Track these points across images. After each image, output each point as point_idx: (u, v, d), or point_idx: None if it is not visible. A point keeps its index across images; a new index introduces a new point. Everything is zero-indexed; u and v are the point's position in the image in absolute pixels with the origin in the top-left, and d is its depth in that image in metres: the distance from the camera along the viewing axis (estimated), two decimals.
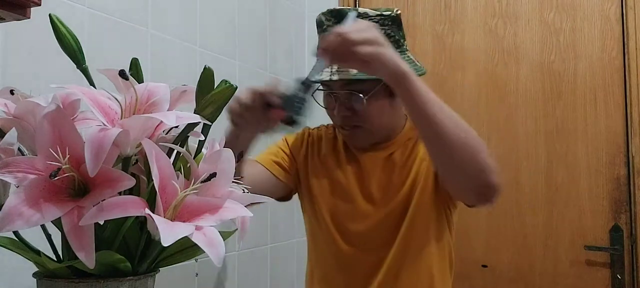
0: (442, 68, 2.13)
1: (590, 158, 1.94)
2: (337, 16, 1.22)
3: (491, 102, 2.07)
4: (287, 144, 1.43)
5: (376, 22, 1.23)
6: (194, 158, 0.74)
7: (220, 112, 0.73)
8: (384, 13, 1.26)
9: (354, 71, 1.19)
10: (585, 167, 1.94)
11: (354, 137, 1.31)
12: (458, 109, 2.16)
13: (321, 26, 1.25)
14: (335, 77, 1.21)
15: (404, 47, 1.30)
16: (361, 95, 1.23)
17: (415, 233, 1.29)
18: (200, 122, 0.71)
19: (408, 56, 1.29)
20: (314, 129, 1.46)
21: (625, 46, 1.91)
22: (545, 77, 2.01)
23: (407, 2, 2.20)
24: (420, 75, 1.18)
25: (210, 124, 0.73)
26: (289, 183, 1.39)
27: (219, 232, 0.64)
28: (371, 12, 1.25)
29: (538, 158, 2.00)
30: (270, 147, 1.42)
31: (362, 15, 1.22)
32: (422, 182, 1.29)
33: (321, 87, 1.28)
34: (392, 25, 1.28)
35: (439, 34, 2.15)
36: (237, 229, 0.75)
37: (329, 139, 1.42)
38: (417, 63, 1.29)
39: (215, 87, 0.73)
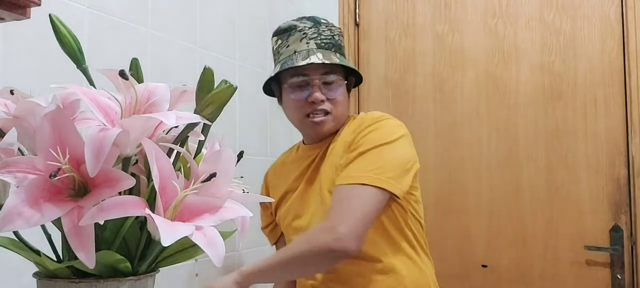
0: (442, 68, 2.13)
1: (590, 158, 1.94)
2: (312, 20, 1.39)
3: (491, 102, 2.07)
4: (260, 206, 1.53)
5: (339, 32, 1.42)
6: (194, 158, 0.74)
7: (220, 112, 0.73)
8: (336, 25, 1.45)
9: (336, 60, 1.33)
10: (585, 168, 1.94)
11: (324, 123, 1.36)
12: (458, 109, 2.17)
13: (294, 29, 1.37)
14: (317, 60, 1.31)
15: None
16: (342, 81, 1.36)
17: None
18: (200, 122, 0.71)
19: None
20: (269, 168, 1.56)
21: (625, 46, 1.91)
22: (545, 77, 2.01)
23: (407, 2, 2.20)
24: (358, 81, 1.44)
25: (210, 123, 0.73)
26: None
27: (219, 232, 0.64)
28: (335, 24, 1.44)
29: (538, 159, 2.00)
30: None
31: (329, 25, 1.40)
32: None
33: (295, 77, 1.35)
34: (341, 36, 1.44)
35: (439, 34, 2.15)
36: (237, 229, 0.75)
37: (286, 159, 1.51)
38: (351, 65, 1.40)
39: (215, 87, 0.73)
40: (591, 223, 1.93)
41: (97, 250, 0.60)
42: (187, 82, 0.80)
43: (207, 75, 0.72)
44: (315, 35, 1.36)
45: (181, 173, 0.69)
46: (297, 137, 1.50)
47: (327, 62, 1.32)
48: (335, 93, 1.35)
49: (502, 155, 2.04)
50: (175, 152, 0.73)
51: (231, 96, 0.73)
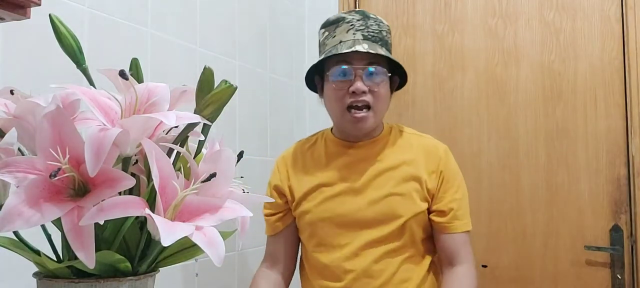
0: (442, 68, 2.13)
1: (590, 158, 1.94)
2: (362, 14, 1.38)
3: (491, 102, 2.07)
4: (274, 191, 1.48)
5: (387, 30, 1.40)
6: (194, 158, 0.74)
7: (220, 112, 0.73)
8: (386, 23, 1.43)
9: (382, 52, 1.33)
10: (585, 167, 1.94)
11: (365, 120, 1.35)
12: (458, 109, 2.17)
13: (342, 21, 1.36)
14: (363, 49, 1.31)
15: None
16: (385, 75, 1.34)
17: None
18: (200, 122, 0.71)
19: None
20: (283, 155, 1.53)
21: (625, 46, 1.90)
22: (545, 77, 2.01)
23: (407, 2, 2.20)
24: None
25: (210, 123, 0.73)
26: (290, 218, 1.49)
27: (219, 232, 0.64)
28: (384, 21, 1.42)
29: (538, 158, 2.00)
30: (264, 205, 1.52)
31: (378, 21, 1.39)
32: (409, 193, 1.37)
33: (338, 65, 1.34)
34: (389, 34, 1.43)
35: (439, 34, 2.15)
36: (237, 229, 0.75)
37: (306, 150, 1.49)
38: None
39: (215, 87, 0.73)
40: (591, 223, 1.93)
41: (97, 250, 0.60)
42: (187, 82, 0.80)
43: (207, 75, 0.72)
44: (363, 27, 1.35)
45: (181, 173, 0.69)
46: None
47: (372, 51, 1.30)
48: (378, 85, 1.33)
49: (502, 155, 2.04)
50: (175, 152, 0.73)
51: (231, 96, 0.72)
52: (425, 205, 1.38)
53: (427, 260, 1.41)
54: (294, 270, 1.52)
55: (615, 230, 1.89)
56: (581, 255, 1.93)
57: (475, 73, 2.09)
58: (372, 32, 1.36)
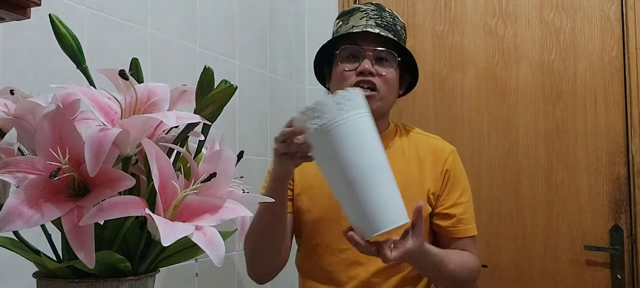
0: (442, 68, 2.13)
1: (590, 158, 1.94)
2: (377, 6, 1.36)
3: (491, 102, 2.07)
4: None
5: (402, 25, 1.38)
6: (194, 158, 0.74)
7: (220, 112, 0.73)
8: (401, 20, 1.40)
9: (392, 37, 1.31)
10: (585, 167, 1.94)
11: (370, 100, 1.26)
12: (458, 109, 2.17)
13: (357, 10, 1.35)
14: (376, 30, 1.29)
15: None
16: (396, 54, 1.32)
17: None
18: (200, 122, 0.71)
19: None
20: None
21: (625, 46, 1.91)
22: (545, 77, 2.01)
23: (407, 2, 2.20)
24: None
25: (210, 123, 0.73)
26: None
27: (219, 232, 0.64)
28: (400, 19, 1.40)
29: (538, 158, 2.00)
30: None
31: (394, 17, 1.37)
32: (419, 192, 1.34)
33: (345, 44, 1.33)
34: (404, 29, 1.40)
35: (439, 34, 2.15)
36: (237, 229, 0.75)
37: None
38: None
39: (215, 87, 0.73)
40: (591, 222, 1.93)
41: (97, 250, 0.60)
42: (187, 82, 0.80)
43: (207, 75, 0.73)
44: (377, 16, 1.34)
45: (181, 173, 0.69)
46: None
47: (382, 33, 1.29)
48: (386, 69, 1.32)
49: (502, 155, 2.04)
50: (175, 152, 0.73)
51: (231, 96, 0.73)
52: (429, 209, 1.35)
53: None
54: (287, 259, 1.42)
55: (615, 230, 1.89)
56: (581, 255, 1.93)
57: (475, 73, 2.09)
58: (386, 22, 1.34)
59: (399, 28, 1.37)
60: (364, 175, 0.99)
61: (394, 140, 1.41)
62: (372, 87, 1.30)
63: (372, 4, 1.38)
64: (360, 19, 1.34)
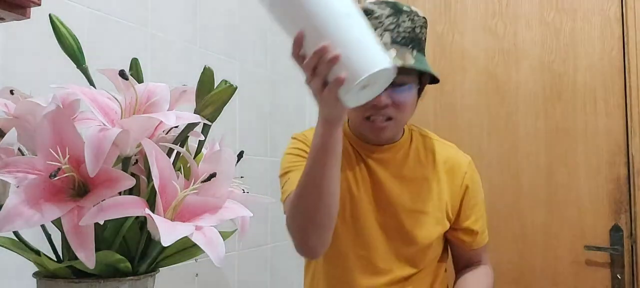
0: (442, 68, 2.13)
1: (590, 158, 1.94)
2: (393, 7, 1.20)
3: (491, 102, 2.07)
4: (302, 152, 1.30)
5: (422, 24, 1.23)
6: (194, 158, 0.74)
7: (220, 112, 0.73)
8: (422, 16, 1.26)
9: (411, 60, 1.16)
10: (585, 167, 1.94)
11: (385, 129, 1.22)
12: (458, 109, 2.16)
13: (370, 15, 1.19)
14: (398, 63, 1.13)
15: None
16: (413, 85, 1.21)
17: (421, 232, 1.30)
18: (200, 122, 0.71)
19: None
20: (305, 133, 1.36)
21: (625, 46, 1.91)
22: (545, 77, 2.01)
23: (407, 2, 2.19)
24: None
25: (210, 123, 0.73)
26: None
27: (219, 232, 0.64)
28: (420, 13, 1.25)
29: (538, 158, 2.00)
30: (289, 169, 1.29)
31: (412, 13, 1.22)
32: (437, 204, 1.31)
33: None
34: (424, 28, 1.26)
35: (439, 34, 2.15)
36: (237, 229, 0.75)
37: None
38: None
39: (215, 87, 0.73)
40: (591, 222, 1.93)
41: (97, 250, 0.60)
42: (187, 82, 0.80)
43: (207, 75, 0.73)
44: (393, 26, 1.18)
45: (181, 173, 0.69)
46: None
47: (399, 64, 1.12)
48: (403, 97, 1.19)
49: (502, 155, 2.04)
50: (175, 152, 0.73)
51: (231, 96, 0.73)
52: (447, 225, 1.32)
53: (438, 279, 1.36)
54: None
55: (615, 230, 1.89)
56: (581, 255, 1.93)
57: (475, 73, 2.09)
58: (403, 31, 1.18)
59: (419, 31, 1.22)
60: (334, 22, 0.88)
61: (410, 147, 1.34)
62: (388, 117, 1.20)
63: (387, 4, 1.21)
64: (375, 30, 1.18)
